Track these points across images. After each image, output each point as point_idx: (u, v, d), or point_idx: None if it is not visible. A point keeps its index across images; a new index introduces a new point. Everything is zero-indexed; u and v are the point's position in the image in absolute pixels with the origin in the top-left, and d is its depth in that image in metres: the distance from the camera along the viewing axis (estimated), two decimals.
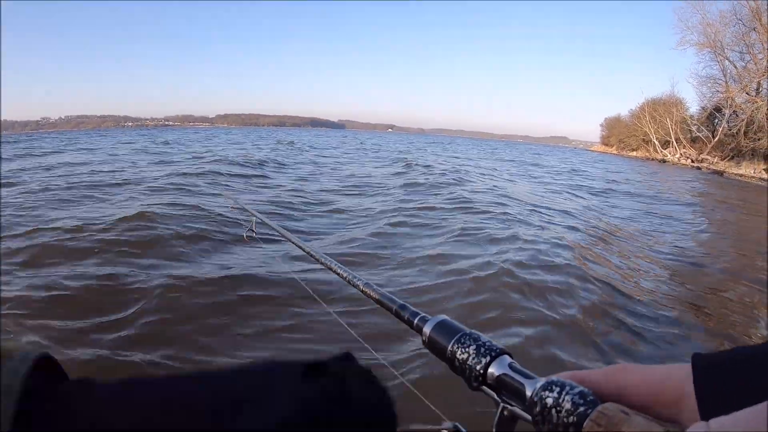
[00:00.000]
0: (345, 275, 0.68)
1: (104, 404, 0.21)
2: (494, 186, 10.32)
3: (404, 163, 14.51)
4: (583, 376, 0.34)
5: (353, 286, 0.64)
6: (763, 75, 28.24)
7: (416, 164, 13.98)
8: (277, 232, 1.16)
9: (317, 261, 0.79)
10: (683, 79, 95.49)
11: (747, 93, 30.02)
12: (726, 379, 0.29)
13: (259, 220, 1.43)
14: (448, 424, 0.43)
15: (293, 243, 0.99)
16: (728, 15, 29.65)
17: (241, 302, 3.16)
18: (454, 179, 10.59)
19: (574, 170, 19.61)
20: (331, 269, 0.73)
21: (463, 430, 0.43)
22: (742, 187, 20.09)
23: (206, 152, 16.44)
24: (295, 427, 0.20)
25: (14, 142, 26.76)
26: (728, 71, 31.32)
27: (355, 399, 0.22)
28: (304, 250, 0.90)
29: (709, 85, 33.54)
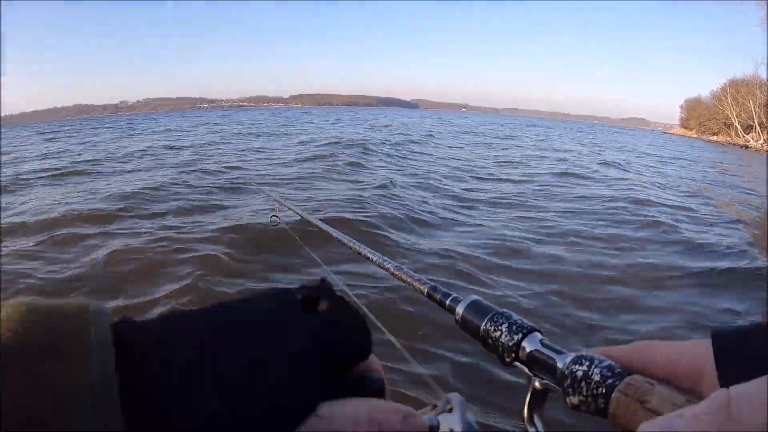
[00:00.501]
0: (375, 259, 0.68)
1: (171, 339, 0.22)
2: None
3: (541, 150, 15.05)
4: (610, 352, 0.35)
5: (384, 269, 0.64)
6: None
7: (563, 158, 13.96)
8: (301, 216, 1.14)
9: (345, 245, 0.79)
10: None
11: None
12: (745, 351, 0.30)
13: (285, 207, 1.41)
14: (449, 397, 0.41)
15: (322, 228, 0.94)
16: None
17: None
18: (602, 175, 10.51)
19: (678, 158, 19.63)
20: (360, 253, 0.73)
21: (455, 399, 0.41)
22: None
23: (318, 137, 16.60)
24: (311, 351, 0.25)
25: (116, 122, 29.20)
26: None
27: (343, 323, 0.28)
28: (332, 235, 0.88)
29: None
